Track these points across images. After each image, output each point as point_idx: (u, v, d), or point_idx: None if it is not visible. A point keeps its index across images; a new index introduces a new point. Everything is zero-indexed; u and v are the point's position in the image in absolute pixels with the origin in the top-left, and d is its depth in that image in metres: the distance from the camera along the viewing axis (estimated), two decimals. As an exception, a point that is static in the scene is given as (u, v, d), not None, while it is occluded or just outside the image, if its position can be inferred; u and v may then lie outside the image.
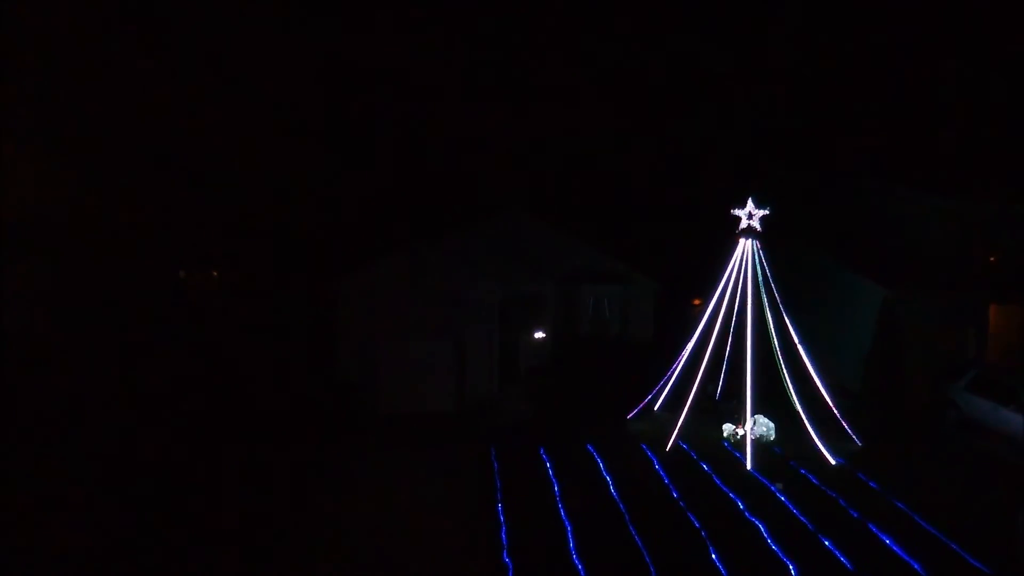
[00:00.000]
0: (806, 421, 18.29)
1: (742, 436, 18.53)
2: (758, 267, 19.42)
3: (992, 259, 25.52)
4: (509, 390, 24.09)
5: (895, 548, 13.14)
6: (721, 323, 20.14)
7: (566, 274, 27.82)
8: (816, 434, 17.99)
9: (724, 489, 15.91)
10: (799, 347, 19.45)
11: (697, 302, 40.41)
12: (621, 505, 14.96)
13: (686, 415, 18.79)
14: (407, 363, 21.65)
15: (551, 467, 17.14)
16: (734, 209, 19.41)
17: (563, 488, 15.85)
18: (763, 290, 19.47)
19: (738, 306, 19.50)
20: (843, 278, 25.40)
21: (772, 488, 16.03)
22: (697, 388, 19.56)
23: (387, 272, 21.72)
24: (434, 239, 25.92)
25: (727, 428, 19.64)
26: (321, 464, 17.34)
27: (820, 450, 17.75)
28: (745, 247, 19.44)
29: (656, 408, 21.44)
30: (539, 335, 26.86)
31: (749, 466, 17.16)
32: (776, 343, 19.54)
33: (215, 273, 30.92)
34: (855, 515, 14.55)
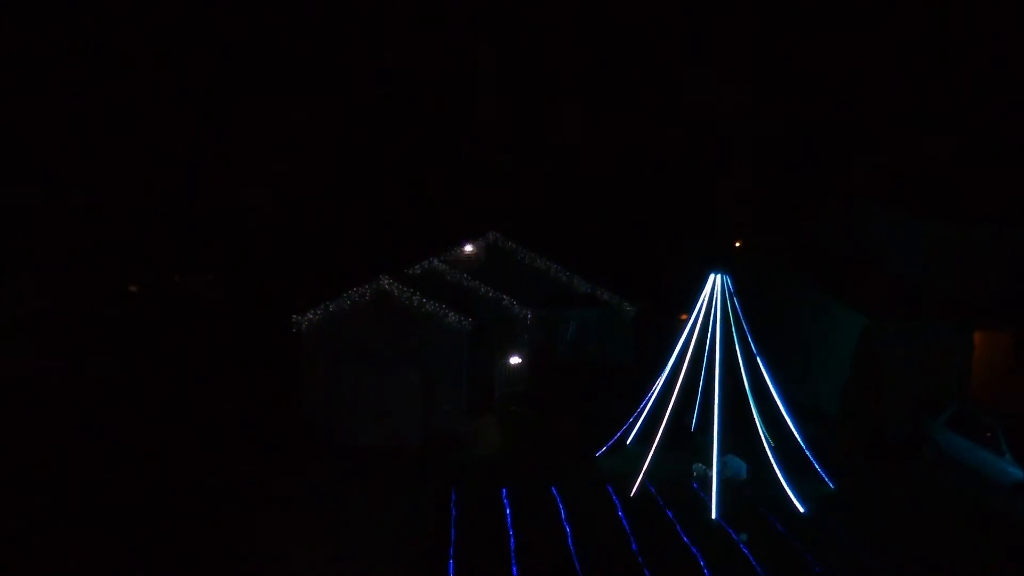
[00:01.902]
0: (775, 465, 17.68)
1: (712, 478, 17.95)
2: (727, 301, 18.83)
3: (976, 283, 24.87)
4: (480, 421, 23.59)
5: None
6: (692, 356, 19.56)
7: (544, 298, 27.38)
8: (785, 479, 17.41)
9: (685, 540, 15.38)
10: (770, 386, 18.85)
11: (684, 317, 39.92)
12: (576, 562, 14.43)
13: (653, 455, 18.21)
14: (372, 395, 21.08)
15: (511, 514, 16.62)
16: (704, 242, 18.86)
17: (519, 541, 15.32)
18: (733, 325, 18.89)
19: (708, 342, 18.92)
20: (824, 303, 24.81)
21: (736, 539, 15.49)
22: (666, 424, 18.97)
23: (352, 302, 21.20)
24: (402, 268, 25.46)
25: (697, 468, 19.08)
26: (272, 502, 16.89)
27: (790, 496, 17.17)
28: (715, 281, 18.85)
29: (628, 442, 20.87)
30: (515, 361, 26.36)
31: (715, 515, 16.60)
32: (746, 380, 18.97)
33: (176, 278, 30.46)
34: (819, 573, 14.00)
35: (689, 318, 19.73)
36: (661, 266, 36.19)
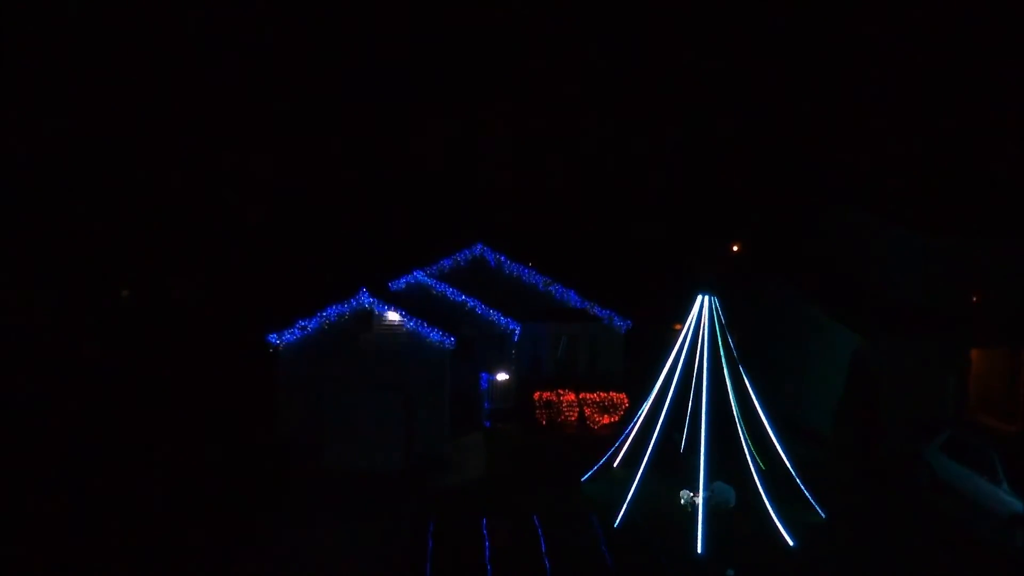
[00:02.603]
0: (764, 495, 17.09)
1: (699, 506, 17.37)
2: (716, 324, 18.25)
3: (975, 299, 24.29)
4: (465, 440, 23.04)
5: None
6: (681, 375, 18.98)
7: (532, 313, 26.78)
8: (774, 510, 16.81)
9: (669, 577, 14.81)
10: (759, 409, 18.30)
11: (678, 327, 39.34)
12: (554, 602, 13.86)
13: (639, 483, 17.63)
14: (351, 417, 20.54)
15: (489, 548, 16.03)
16: (692, 264, 18.28)
17: (496, 577, 14.75)
18: (721, 347, 18.32)
19: (696, 364, 18.35)
20: (817, 318, 24.22)
21: (722, 576, 14.91)
22: (654, 447, 18.40)
23: (330, 321, 20.60)
24: (385, 282, 24.88)
25: (684, 495, 18.47)
26: (243, 539, 16.31)
27: (779, 528, 16.58)
28: (703, 303, 18.27)
29: (615, 464, 20.28)
30: (502, 377, 25.82)
31: (700, 549, 16.02)
32: (734, 402, 18.44)
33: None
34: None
35: (682, 328, 19.20)
36: (654, 278, 35.67)
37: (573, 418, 24.53)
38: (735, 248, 51.92)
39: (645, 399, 19.69)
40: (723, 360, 18.36)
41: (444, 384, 21.10)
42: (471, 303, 25.37)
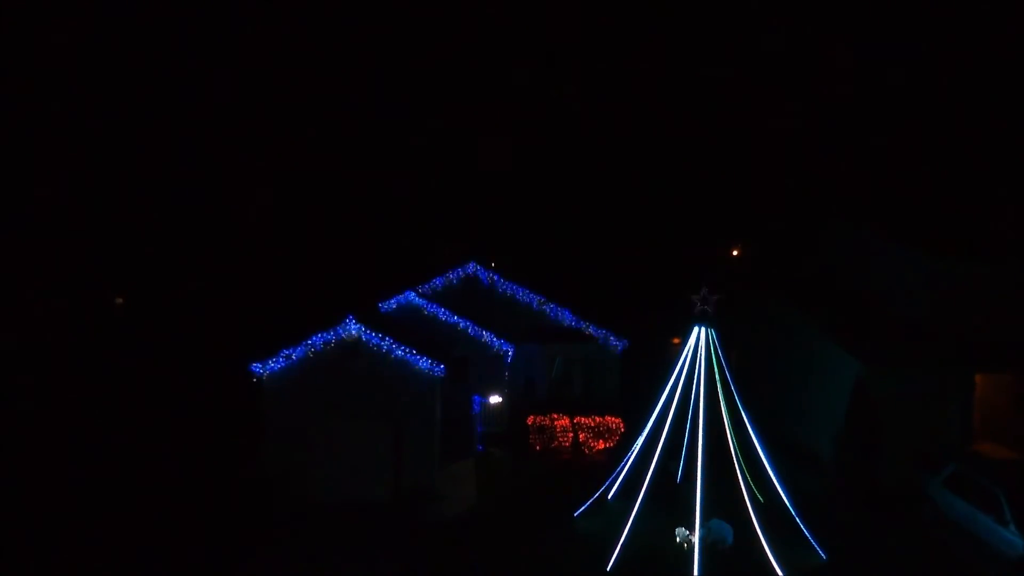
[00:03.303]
0: (760, 535, 16.50)
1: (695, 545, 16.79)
2: (713, 355, 17.67)
3: (980, 321, 23.65)
4: (455, 467, 22.45)
5: None
6: (678, 404, 18.40)
7: (526, 333, 26.22)
8: (772, 553, 16.22)
9: (662, 628, 14.20)
10: (756, 444, 17.71)
11: (676, 341, 38.75)
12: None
13: (634, 520, 17.04)
14: (338, 448, 19.99)
15: (476, 593, 15.44)
16: (687, 295, 17.68)
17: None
18: (718, 377, 17.76)
19: (693, 398, 17.79)
20: (819, 342, 23.59)
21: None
22: (650, 480, 17.83)
23: (316, 351, 20.00)
24: (375, 303, 24.30)
25: (680, 533, 17.89)
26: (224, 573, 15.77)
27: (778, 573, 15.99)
28: (699, 334, 17.69)
29: (610, 497, 19.68)
30: (495, 400, 25.23)
31: (695, 594, 15.43)
32: (731, 438, 17.88)
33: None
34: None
35: (680, 342, 18.69)
36: (652, 289, 35.06)
37: (567, 443, 23.94)
38: (735, 252, 51.36)
39: (641, 429, 19.10)
40: (720, 392, 17.79)
41: (434, 413, 20.50)
42: (463, 324, 24.80)
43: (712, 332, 17.63)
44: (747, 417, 17.86)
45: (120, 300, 56.73)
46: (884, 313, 24.54)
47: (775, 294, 27.26)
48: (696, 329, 17.70)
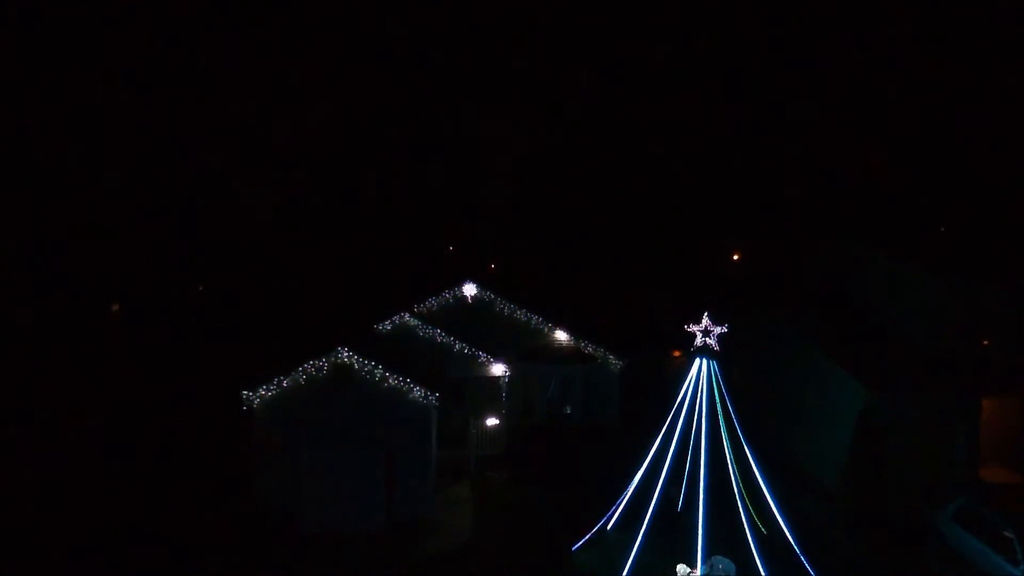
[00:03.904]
0: (762, 571, 16.06)
1: (695, 585, 16.36)
2: (715, 387, 17.21)
3: (986, 343, 23.21)
4: (451, 493, 22.00)
5: None
6: (678, 440, 17.95)
7: (524, 352, 25.78)
8: (774, 594, 15.78)
9: None
10: (758, 475, 17.28)
11: (677, 354, 38.35)
12: None
13: (634, 558, 16.59)
14: (330, 478, 19.50)
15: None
16: (689, 326, 17.19)
17: None
18: (719, 410, 17.31)
19: (694, 433, 17.34)
20: (823, 366, 23.10)
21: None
22: (649, 520, 17.40)
23: (308, 377, 19.53)
24: (367, 327, 23.87)
25: (681, 570, 17.41)
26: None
27: (780, 613, 15.55)
28: (700, 366, 17.23)
29: (609, 527, 19.22)
30: (492, 422, 24.77)
31: (696, 641, 14.97)
32: (733, 469, 17.44)
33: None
34: None
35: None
36: (651, 302, 34.60)
37: (565, 468, 23.46)
38: (736, 257, 50.99)
39: (641, 453, 18.67)
40: (721, 423, 17.36)
41: (429, 442, 20.06)
42: (459, 345, 24.33)
43: (714, 364, 17.15)
44: (749, 451, 17.41)
45: (116, 307, 56.42)
46: (888, 334, 24.08)
47: (777, 312, 26.78)
48: (698, 361, 17.22)
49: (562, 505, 21.29)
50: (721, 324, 16.93)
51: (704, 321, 16.96)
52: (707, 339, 16.99)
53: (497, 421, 24.75)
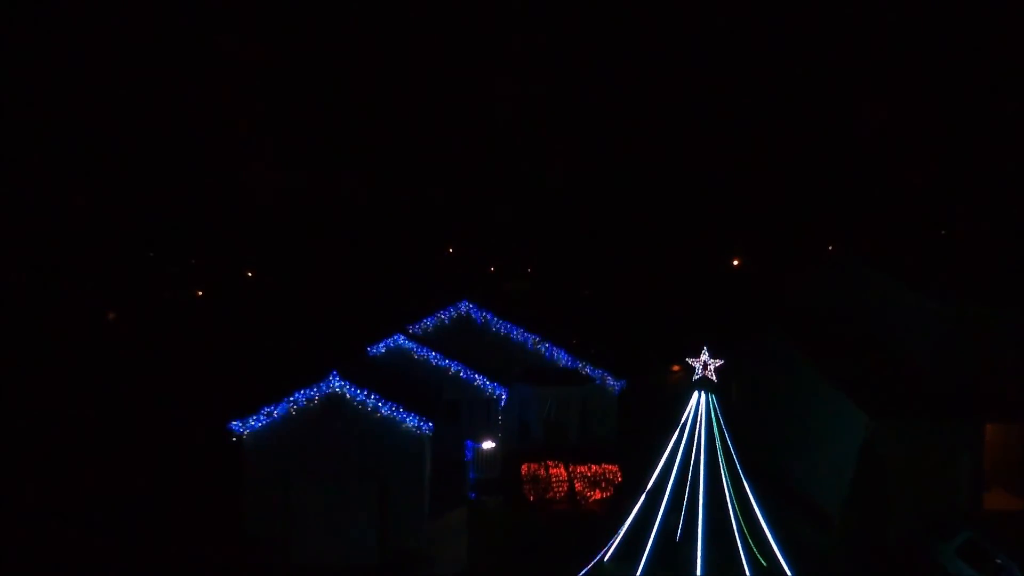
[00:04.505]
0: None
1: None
2: (714, 421, 16.85)
3: (989, 366, 22.82)
4: (447, 519, 21.60)
5: None
6: (677, 470, 17.61)
7: (520, 374, 25.39)
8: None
9: None
10: (756, 509, 16.95)
11: (676, 368, 37.96)
12: None
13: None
14: (322, 509, 19.16)
15: None
16: (690, 359, 16.84)
17: None
18: (718, 443, 16.97)
19: (692, 465, 16.99)
20: (826, 390, 22.69)
21: None
22: (649, 554, 17.06)
23: (299, 408, 19.13)
24: (360, 350, 23.48)
25: (680, 606, 17.08)
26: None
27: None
28: (699, 399, 16.88)
29: (607, 559, 18.86)
30: (489, 445, 24.38)
31: None
32: (732, 503, 17.11)
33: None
34: None
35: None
36: (650, 316, 34.19)
37: (562, 493, 23.09)
38: (735, 263, 50.60)
39: (639, 478, 18.34)
40: (720, 458, 17.03)
41: (422, 472, 19.66)
42: (455, 367, 23.94)
43: (713, 398, 16.79)
44: (748, 483, 17.09)
45: (112, 315, 56.14)
46: (891, 356, 23.69)
47: (779, 331, 26.38)
48: (696, 394, 16.87)
49: (559, 533, 20.95)
50: (720, 356, 16.59)
51: (703, 355, 16.60)
52: (706, 372, 16.63)
53: (493, 444, 24.38)
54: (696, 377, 16.70)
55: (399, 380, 22.47)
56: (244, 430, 19.00)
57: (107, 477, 22.84)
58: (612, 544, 18.73)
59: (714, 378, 16.62)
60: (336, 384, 19.11)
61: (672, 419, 17.67)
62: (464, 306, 25.35)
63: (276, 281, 54.86)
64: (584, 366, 25.54)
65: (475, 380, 24.03)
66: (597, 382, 25.44)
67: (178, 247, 62.27)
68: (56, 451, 24.83)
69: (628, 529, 18.47)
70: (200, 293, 62.25)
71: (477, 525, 21.50)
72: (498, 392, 24.14)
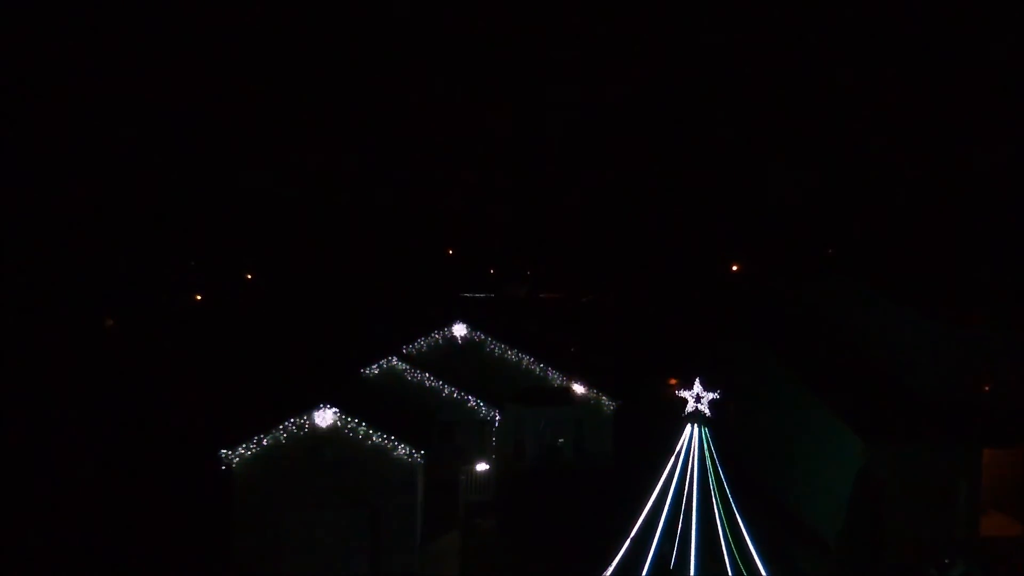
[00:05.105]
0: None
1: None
2: (707, 453, 16.69)
3: (987, 388, 22.65)
4: (440, 544, 21.44)
5: None
6: (671, 500, 17.45)
7: (515, 394, 25.24)
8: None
9: None
10: (751, 547, 16.80)
11: (673, 381, 37.78)
12: None
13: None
14: (314, 538, 19.00)
15: None
16: (682, 391, 16.67)
17: None
18: (711, 476, 16.81)
19: (685, 500, 16.84)
20: (822, 414, 22.50)
21: None
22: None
23: (289, 436, 18.99)
24: (354, 373, 23.36)
25: (672, 640, 16.93)
26: None
27: None
28: (691, 432, 16.72)
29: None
30: (482, 467, 24.23)
31: None
32: (726, 537, 16.95)
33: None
34: None
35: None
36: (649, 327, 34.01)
37: (556, 515, 22.94)
38: (735, 268, 50.39)
39: (636, 501, 18.20)
40: (713, 490, 16.87)
41: (414, 500, 19.54)
42: (448, 389, 23.79)
43: (706, 431, 16.62)
44: (741, 518, 16.94)
45: (111, 322, 55.98)
46: (889, 379, 23.52)
47: (776, 349, 26.22)
48: (689, 428, 16.70)
49: (553, 559, 20.78)
50: (713, 390, 16.42)
51: (696, 387, 16.43)
52: (698, 405, 16.46)
53: (487, 466, 24.22)
54: (689, 411, 16.52)
55: (392, 403, 22.35)
56: (234, 458, 18.85)
57: (93, 502, 22.67)
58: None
59: (708, 412, 16.44)
60: (327, 413, 18.97)
61: (666, 445, 17.49)
62: (458, 326, 25.20)
63: (275, 284, 54.84)
64: (579, 385, 25.39)
65: (469, 402, 23.90)
66: (592, 402, 25.29)
67: (178, 248, 62.15)
68: (43, 469, 24.67)
69: (622, 559, 18.34)
70: (199, 298, 62.16)
71: (470, 551, 21.36)
72: (492, 413, 23.99)
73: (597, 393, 25.39)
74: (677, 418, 17.21)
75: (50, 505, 22.18)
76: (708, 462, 16.80)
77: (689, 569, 16.33)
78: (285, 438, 18.99)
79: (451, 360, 24.94)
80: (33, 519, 21.41)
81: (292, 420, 18.96)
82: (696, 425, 16.63)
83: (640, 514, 17.98)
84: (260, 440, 18.93)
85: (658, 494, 17.54)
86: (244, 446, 18.88)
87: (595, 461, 25.11)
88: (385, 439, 19.10)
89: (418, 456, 19.29)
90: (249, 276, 64.33)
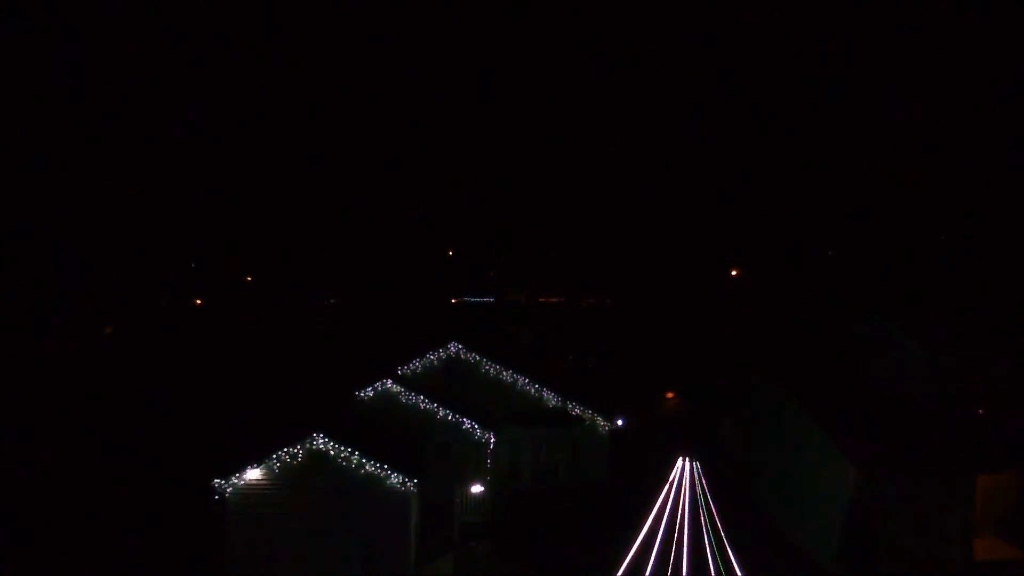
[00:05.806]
0: None
1: None
2: (698, 487, 16.73)
3: (981, 413, 22.62)
4: (432, 569, 21.48)
5: None
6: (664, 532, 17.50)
7: (510, 415, 25.24)
8: None
9: None
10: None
11: (671, 395, 37.79)
12: None
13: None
14: (305, 567, 19.06)
15: None
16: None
17: None
18: (703, 509, 16.86)
19: (677, 534, 16.87)
20: (820, 442, 22.42)
21: None
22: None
23: (282, 465, 19.02)
24: (348, 395, 23.39)
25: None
26: None
27: None
28: (682, 466, 16.77)
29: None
30: (477, 489, 24.24)
31: None
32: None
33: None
34: None
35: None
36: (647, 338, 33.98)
37: (552, 537, 22.96)
38: (734, 273, 50.28)
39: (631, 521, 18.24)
40: (704, 524, 16.92)
41: (407, 528, 19.55)
42: (443, 411, 23.79)
43: (697, 465, 16.66)
44: (731, 551, 16.98)
45: (109, 329, 56.10)
46: (884, 403, 23.46)
47: (772, 371, 26.18)
48: (680, 461, 16.74)
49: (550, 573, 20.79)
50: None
51: (681, 460, 16.52)
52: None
53: (482, 488, 24.23)
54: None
55: (386, 427, 22.36)
56: (227, 487, 18.89)
57: (85, 529, 22.70)
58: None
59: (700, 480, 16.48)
60: (320, 442, 19.00)
61: (662, 463, 17.49)
62: (453, 347, 25.21)
63: (274, 288, 54.84)
64: (574, 406, 25.40)
65: (464, 424, 23.90)
66: (587, 423, 25.29)
67: (178, 250, 62.17)
68: (36, 492, 24.73)
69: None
70: (199, 302, 62.26)
71: (465, 573, 21.37)
72: (487, 435, 23.99)
73: (592, 414, 25.38)
74: (672, 437, 17.21)
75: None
76: (700, 497, 16.86)
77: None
78: (278, 467, 19.02)
79: (446, 381, 24.95)
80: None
81: (285, 449, 18.98)
82: (688, 459, 16.67)
83: (634, 540, 18.04)
84: (253, 469, 18.96)
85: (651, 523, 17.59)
86: (237, 475, 18.91)
87: (591, 481, 25.12)
88: (378, 468, 19.11)
89: (411, 485, 19.30)
90: (248, 279, 64.43)
